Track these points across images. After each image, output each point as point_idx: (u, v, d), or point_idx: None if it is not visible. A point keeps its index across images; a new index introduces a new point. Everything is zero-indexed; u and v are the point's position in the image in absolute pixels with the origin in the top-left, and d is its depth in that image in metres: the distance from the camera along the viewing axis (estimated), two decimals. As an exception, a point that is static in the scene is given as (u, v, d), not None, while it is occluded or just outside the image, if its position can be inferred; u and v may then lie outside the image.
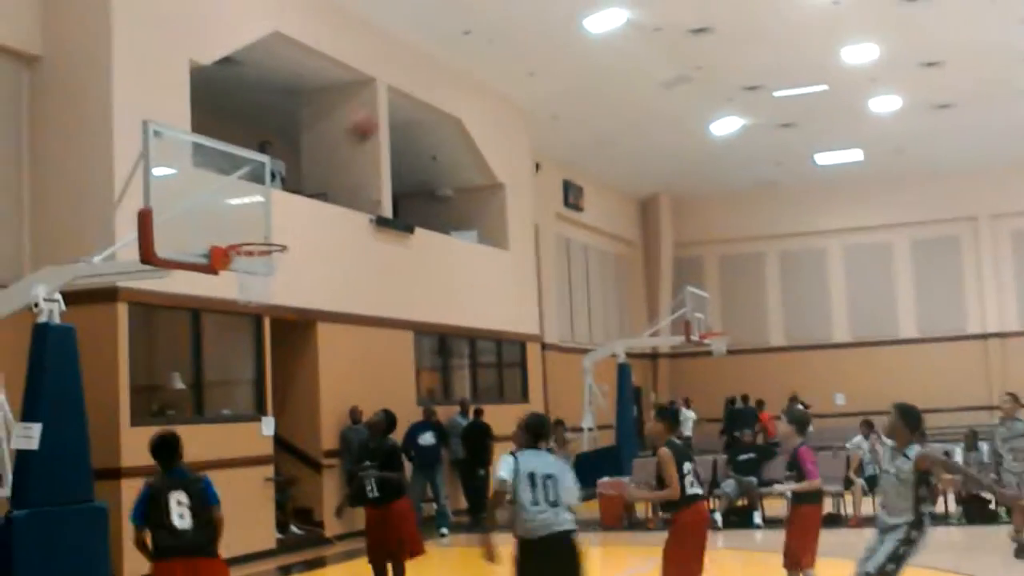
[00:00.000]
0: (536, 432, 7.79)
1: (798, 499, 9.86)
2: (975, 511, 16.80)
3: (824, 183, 34.37)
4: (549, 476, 7.49)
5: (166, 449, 8.10)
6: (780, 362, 34.58)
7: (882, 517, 8.15)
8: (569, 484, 7.61)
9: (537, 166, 27.60)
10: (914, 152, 31.35)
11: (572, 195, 30.63)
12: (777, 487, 10.46)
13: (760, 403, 29.07)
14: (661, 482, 8.90)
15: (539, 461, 7.60)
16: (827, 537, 15.43)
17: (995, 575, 11.64)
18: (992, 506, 16.83)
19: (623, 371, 26.67)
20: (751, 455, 18.28)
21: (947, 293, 34.34)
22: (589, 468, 20.69)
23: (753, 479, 17.65)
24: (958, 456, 17.20)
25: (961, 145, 30.90)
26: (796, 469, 9.83)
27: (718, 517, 17.28)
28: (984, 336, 33.75)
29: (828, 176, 33.73)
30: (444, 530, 18.03)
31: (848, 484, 17.56)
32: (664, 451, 8.82)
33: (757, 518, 17.36)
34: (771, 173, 33.21)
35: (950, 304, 34.28)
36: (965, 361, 33.58)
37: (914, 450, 7.97)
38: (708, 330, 27.75)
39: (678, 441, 9.16)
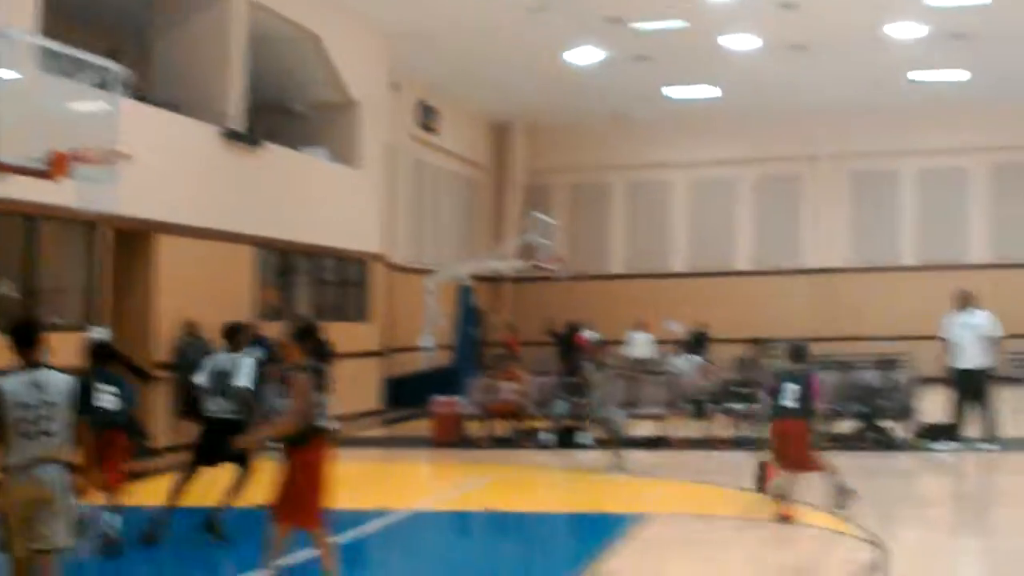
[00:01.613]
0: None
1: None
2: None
3: (676, 118, 35.04)
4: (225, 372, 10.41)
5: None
6: (621, 289, 35.42)
7: None
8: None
9: (394, 86, 27.53)
10: (765, 91, 32.15)
11: (427, 117, 30.65)
12: None
13: (576, 326, 29.55)
14: None
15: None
16: (650, 458, 16.22)
17: (806, 494, 12.40)
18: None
19: (465, 293, 27.03)
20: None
21: (784, 228, 35.55)
22: (426, 387, 21.03)
23: (584, 400, 18.19)
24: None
25: (811, 87, 31.83)
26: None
27: (547, 437, 17.81)
28: (817, 271, 35.09)
29: (680, 111, 34.39)
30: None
31: (675, 407, 18.26)
32: (301, 376, 8.05)
33: (586, 438, 17.85)
34: (625, 104, 33.71)
35: (787, 239, 35.52)
36: (797, 294, 34.93)
37: None
38: (552, 256, 28.27)
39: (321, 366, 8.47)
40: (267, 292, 21.27)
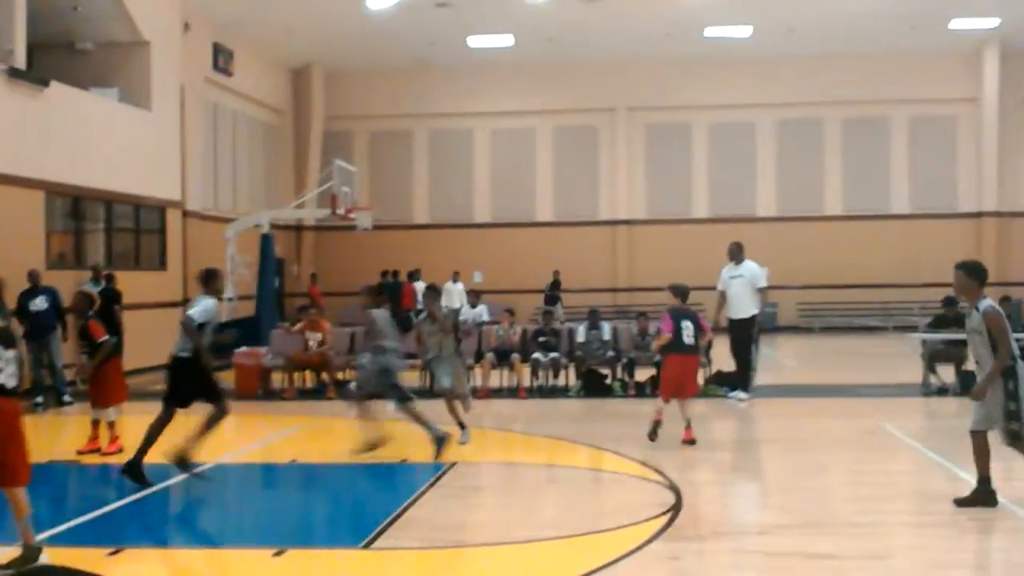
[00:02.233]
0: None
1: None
2: (592, 384, 18.06)
3: (476, 66, 35.09)
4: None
5: None
6: (424, 239, 35.45)
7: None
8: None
9: (186, 26, 26.63)
10: (563, 42, 32.51)
11: (222, 59, 29.80)
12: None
13: (402, 275, 29.64)
14: None
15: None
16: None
17: (607, 442, 12.68)
18: (608, 380, 18.17)
19: (266, 242, 26.55)
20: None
21: (584, 180, 36.13)
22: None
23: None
24: (581, 335, 18.42)
25: (607, 39, 32.31)
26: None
27: (353, 387, 17.72)
28: (614, 223, 35.83)
29: (480, 60, 34.45)
30: (67, 397, 17.41)
31: (479, 358, 18.43)
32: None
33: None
34: (425, 52, 33.53)
35: (586, 191, 36.11)
36: (595, 245, 35.63)
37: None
38: (355, 204, 28.01)
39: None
40: (57, 240, 20.40)
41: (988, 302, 9.18)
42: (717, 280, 17.27)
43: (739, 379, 17.07)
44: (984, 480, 9.14)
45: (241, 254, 25.58)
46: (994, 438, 9.16)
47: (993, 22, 31.83)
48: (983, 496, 9.09)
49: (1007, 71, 34.33)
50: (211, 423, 10.73)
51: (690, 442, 12.40)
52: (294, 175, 35.40)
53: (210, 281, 11.27)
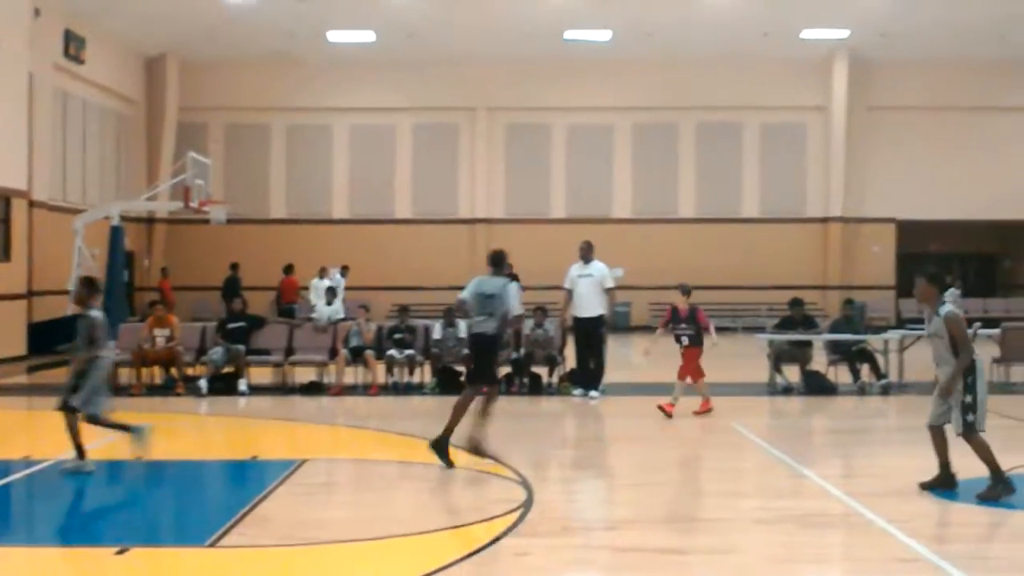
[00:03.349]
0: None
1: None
2: (447, 381, 18.07)
3: (336, 61, 34.81)
4: None
5: None
6: (280, 234, 35.01)
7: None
8: None
9: (36, 11, 25.80)
10: (424, 39, 32.46)
11: (73, 46, 28.94)
12: None
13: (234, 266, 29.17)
14: None
15: None
16: (307, 404, 16.19)
17: (461, 439, 12.69)
18: (463, 378, 18.19)
19: (116, 234, 25.90)
20: (241, 324, 18.51)
21: (443, 179, 36.13)
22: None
23: (241, 347, 17.95)
24: (437, 332, 18.40)
25: (469, 38, 32.38)
26: None
27: (203, 384, 17.46)
28: (473, 221, 35.92)
29: (340, 54, 34.18)
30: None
31: (333, 354, 18.29)
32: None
33: (243, 385, 17.66)
34: (285, 45, 33.13)
35: (445, 189, 36.12)
36: (454, 243, 35.65)
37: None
38: (209, 198, 27.54)
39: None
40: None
41: (949, 307, 9.74)
42: (564, 278, 17.40)
43: (592, 377, 17.25)
44: (944, 465, 9.82)
45: (89, 246, 24.89)
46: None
47: (843, 33, 32.89)
48: (944, 479, 9.79)
49: (855, 81, 35.50)
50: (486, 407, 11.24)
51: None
52: (146, 166, 34.56)
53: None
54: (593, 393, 17.05)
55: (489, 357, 11.39)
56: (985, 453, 9.54)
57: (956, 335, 9.57)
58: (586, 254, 17.30)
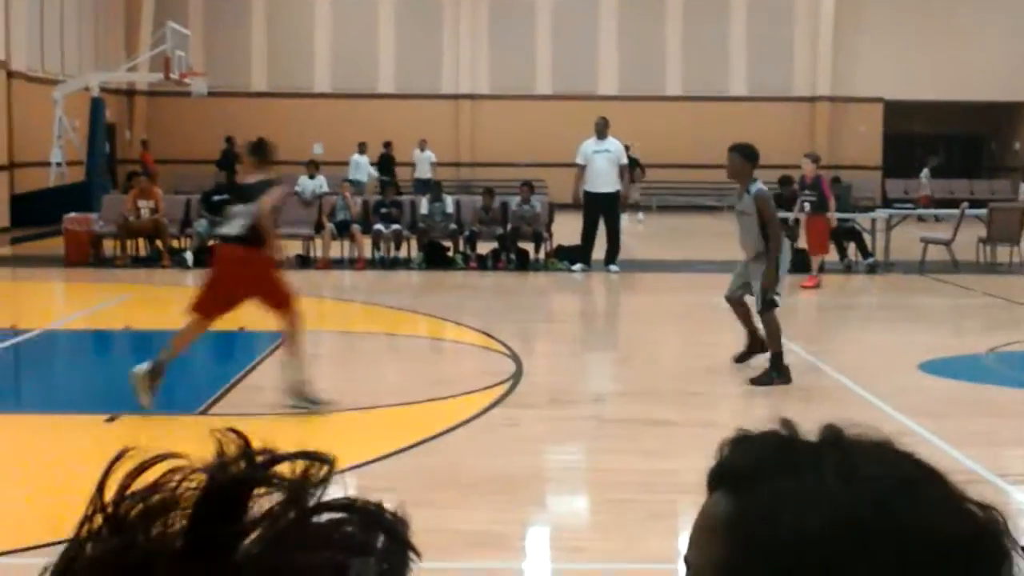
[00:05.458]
0: None
1: None
2: (434, 256, 18.04)
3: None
4: None
5: None
6: (261, 107, 34.53)
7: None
8: None
9: None
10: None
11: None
12: None
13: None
14: None
15: None
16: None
17: (449, 313, 12.74)
18: (450, 253, 18.19)
19: (96, 106, 25.54)
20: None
21: (427, 53, 35.59)
22: (57, 204, 19.94)
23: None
24: (424, 207, 18.32)
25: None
26: None
27: (189, 256, 17.38)
28: (457, 96, 35.51)
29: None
30: None
31: (319, 229, 18.20)
32: None
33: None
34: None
35: (429, 64, 35.61)
36: (437, 119, 35.27)
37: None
38: (189, 69, 27.11)
39: None
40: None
41: (759, 185, 9.50)
42: (576, 154, 17.40)
43: (609, 252, 17.25)
44: (752, 332, 9.58)
45: (69, 118, 24.56)
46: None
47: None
48: (752, 345, 9.56)
49: (846, -45, 34.94)
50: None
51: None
52: (124, 37, 33.86)
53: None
54: (613, 267, 17.11)
55: None
56: (775, 334, 9.23)
57: (766, 215, 9.22)
58: (602, 130, 17.41)
